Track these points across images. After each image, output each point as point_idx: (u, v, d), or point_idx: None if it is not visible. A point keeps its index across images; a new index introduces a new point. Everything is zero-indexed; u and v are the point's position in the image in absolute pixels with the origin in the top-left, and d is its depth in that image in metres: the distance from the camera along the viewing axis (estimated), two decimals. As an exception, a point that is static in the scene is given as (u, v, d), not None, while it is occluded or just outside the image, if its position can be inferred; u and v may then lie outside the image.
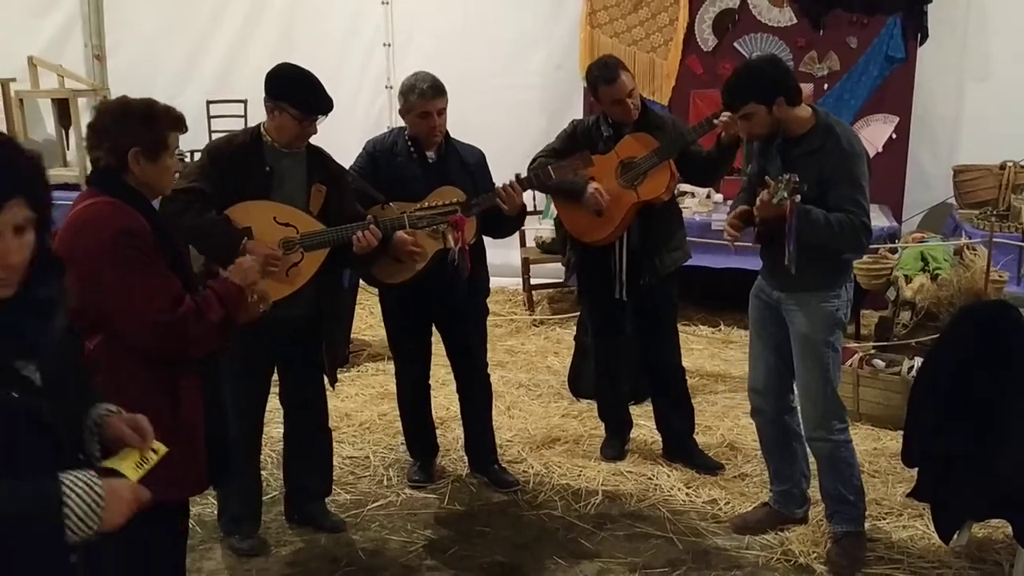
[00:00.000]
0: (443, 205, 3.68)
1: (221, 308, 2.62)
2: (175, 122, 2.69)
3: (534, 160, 4.27)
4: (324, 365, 3.67)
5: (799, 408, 3.65)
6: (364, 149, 4.15)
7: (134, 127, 2.60)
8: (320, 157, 3.59)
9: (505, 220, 3.97)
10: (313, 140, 3.60)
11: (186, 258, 2.81)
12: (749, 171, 3.71)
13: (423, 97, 3.88)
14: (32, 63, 7.88)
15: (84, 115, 7.99)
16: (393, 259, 3.83)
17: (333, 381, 3.76)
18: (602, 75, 4.15)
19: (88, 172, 7.62)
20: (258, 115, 7.17)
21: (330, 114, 3.50)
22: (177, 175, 2.86)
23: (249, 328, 2.83)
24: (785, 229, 3.26)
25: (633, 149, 4.21)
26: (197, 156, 5.96)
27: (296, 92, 3.40)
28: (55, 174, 7.87)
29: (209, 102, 7.40)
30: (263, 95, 3.48)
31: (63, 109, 7.96)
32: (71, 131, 8.00)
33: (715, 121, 4.00)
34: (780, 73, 3.36)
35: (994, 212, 6.00)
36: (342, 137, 6.38)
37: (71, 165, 7.98)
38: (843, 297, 3.47)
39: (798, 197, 3.19)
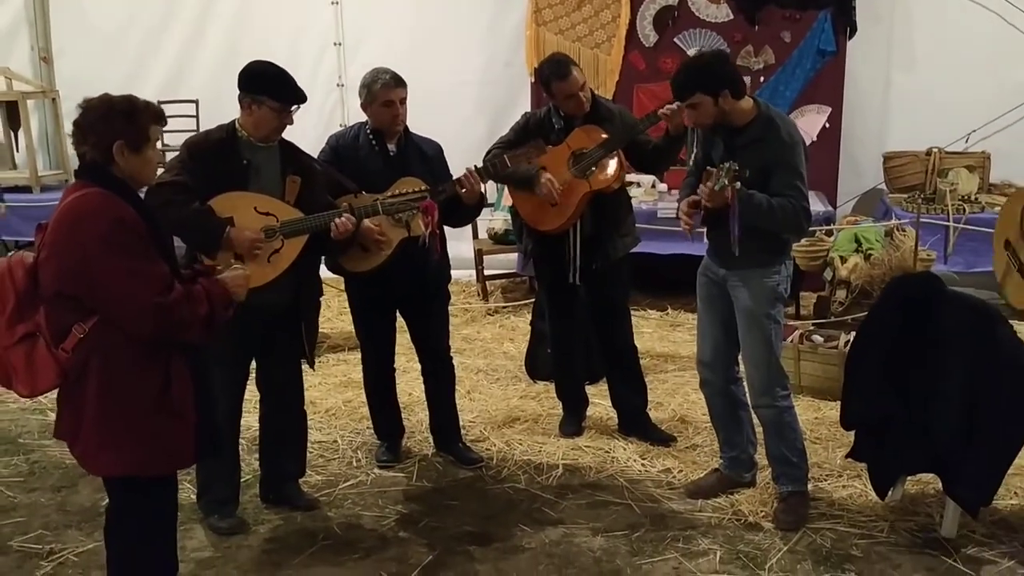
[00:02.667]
0: (414, 192, 3.87)
1: (207, 304, 2.78)
2: (156, 116, 2.85)
3: (489, 151, 4.47)
4: (303, 348, 3.84)
5: (745, 378, 3.91)
6: (327, 143, 4.32)
7: (117, 122, 2.75)
8: (292, 150, 3.77)
9: (464, 209, 4.17)
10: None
11: (171, 246, 2.96)
12: (694, 158, 3.96)
13: (386, 87, 4.08)
14: (-22, 66, 7.87)
15: (33, 117, 8.02)
16: (360, 248, 4.01)
17: (312, 363, 3.93)
18: (554, 72, 4.37)
19: (39, 175, 7.65)
20: (209, 115, 7.34)
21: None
22: (161, 168, 3.01)
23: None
24: (728, 215, 3.51)
25: (583, 141, 4.43)
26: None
27: (274, 85, 3.59)
28: (4, 177, 7.87)
29: (160, 102, 7.44)
30: (239, 92, 3.65)
31: (11, 112, 7.96)
32: (20, 133, 7.99)
33: (659, 113, 4.27)
34: (726, 67, 3.62)
35: (921, 196, 6.35)
36: (294, 135, 6.51)
37: (20, 168, 7.99)
38: (783, 273, 3.74)
39: (738, 184, 3.44)
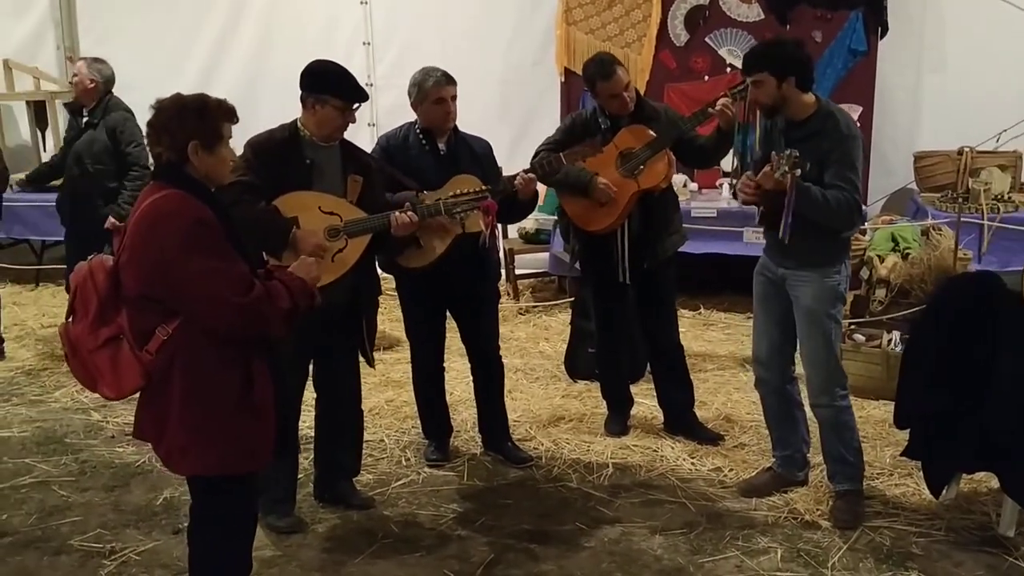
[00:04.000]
0: (475, 192, 3.87)
1: (290, 299, 2.79)
2: (227, 113, 2.85)
3: (537, 152, 4.48)
4: (362, 345, 3.85)
5: (804, 377, 3.92)
6: (377, 144, 4.34)
7: (191, 121, 2.76)
8: (352, 149, 3.79)
9: (518, 205, 4.19)
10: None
11: (246, 245, 2.96)
12: (755, 158, 3.97)
13: (438, 84, 4.11)
14: (7, 66, 7.89)
15: (60, 117, 8.02)
16: (416, 245, 4.03)
17: (371, 361, 3.94)
18: (599, 71, 4.38)
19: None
20: (238, 113, 7.35)
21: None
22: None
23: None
24: (785, 203, 3.53)
25: (630, 140, 4.44)
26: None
27: (337, 84, 3.62)
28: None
29: (189, 102, 7.49)
30: (301, 91, 3.68)
31: (39, 111, 7.98)
32: (48, 133, 8.01)
33: (710, 110, 4.29)
34: (799, 55, 3.64)
35: (957, 195, 6.35)
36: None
37: (49, 168, 7.98)
38: (843, 273, 3.76)
39: (798, 172, 3.47)
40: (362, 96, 3.65)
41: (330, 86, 3.61)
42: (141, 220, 2.72)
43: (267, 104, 6.18)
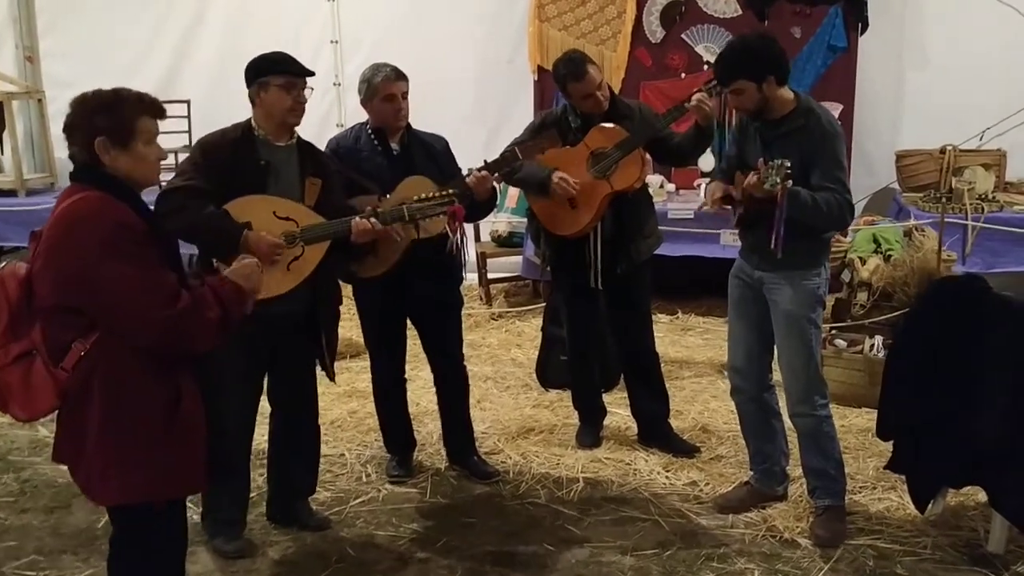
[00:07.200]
0: (440, 196, 3.64)
1: (218, 307, 2.55)
2: (148, 107, 2.60)
3: (506, 150, 4.26)
4: (322, 359, 3.65)
5: (782, 385, 3.72)
6: (327, 147, 4.09)
7: (99, 117, 2.52)
8: (311, 150, 3.58)
9: (476, 206, 3.98)
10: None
11: (177, 253, 2.73)
12: (727, 154, 3.78)
13: (388, 80, 3.90)
14: (-38, 67, 7.62)
15: (18, 119, 7.76)
16: (371, 253, 3.81)
17: (332, 374, 3.72)
18: (570, 72, 4.17)
19: (24, 178, 7.15)
20: (201, 115, 7.12)
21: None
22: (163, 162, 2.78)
23: (246, 327, 2.75)
24: (775, 212, 3.33)
25: (602, 140, 4.23)
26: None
27: (274, 63, 3.43)
28: (-11, 180, 7.62)
29: (152, 103, 7.25)
30: (248, 90, 3.47)
31: (-4, 112, 7.70)
32: (4, 135, 7.74)
33: (686, 105, 4.09)
34: (772, 52, 3.43)
35: (940, 195, 6.18)
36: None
37: (5, 171, 7.73)
38: (823, 275, 3.57)
39: (789, 183, 3.26)
40: (306, 70, 3.44)
41: (267, 68, 3.41)
42: (57, 224, 2.49)
43: (232, 102, 5.95)
